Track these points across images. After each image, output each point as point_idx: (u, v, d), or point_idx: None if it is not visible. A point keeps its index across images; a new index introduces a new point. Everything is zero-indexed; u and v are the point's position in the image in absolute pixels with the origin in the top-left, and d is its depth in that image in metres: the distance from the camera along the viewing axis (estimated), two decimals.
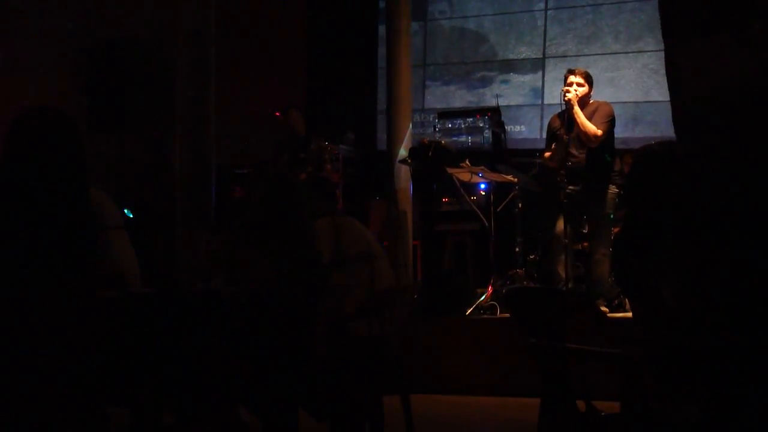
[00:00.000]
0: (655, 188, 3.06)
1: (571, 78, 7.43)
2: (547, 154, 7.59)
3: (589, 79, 7.45)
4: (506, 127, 10.06)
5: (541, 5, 10.87)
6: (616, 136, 7.61)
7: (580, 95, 7.33)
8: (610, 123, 7.31)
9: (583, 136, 7.25)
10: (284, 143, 8.84)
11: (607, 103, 7.67)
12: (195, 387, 4.00)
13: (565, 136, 7.37)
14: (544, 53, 10.80)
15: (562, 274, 7.32)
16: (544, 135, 8.20)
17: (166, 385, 3.99)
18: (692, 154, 2.45)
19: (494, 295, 7.59)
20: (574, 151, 7.35)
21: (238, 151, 9.81)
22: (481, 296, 7.63)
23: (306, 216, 4.91)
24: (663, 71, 2.92)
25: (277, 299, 4.33)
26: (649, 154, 3.33)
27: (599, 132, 7.22)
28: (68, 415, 3.20)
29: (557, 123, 7.57)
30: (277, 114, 8.81)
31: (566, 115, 7.41)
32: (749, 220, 2.30)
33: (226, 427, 4.15)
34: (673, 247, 2.50)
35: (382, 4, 10.63)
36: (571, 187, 7.26)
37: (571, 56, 10.53)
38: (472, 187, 8.38)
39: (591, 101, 7.46)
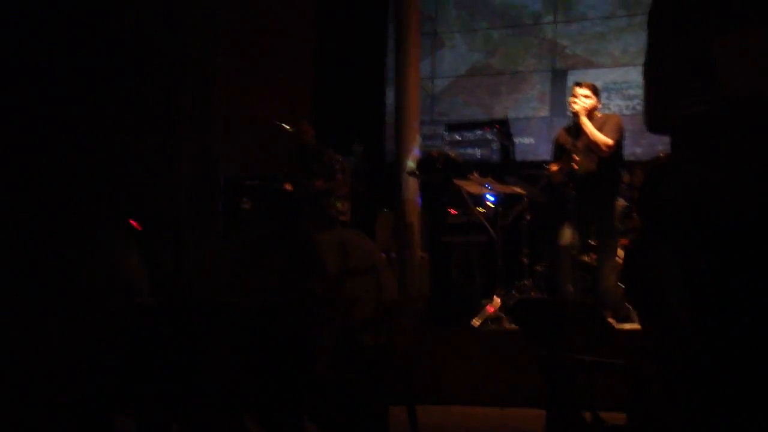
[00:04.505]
0: (664, 200, 3.06)
1: (578, 90, 7.44)
2: (554, 167, 7.58)
3: (596, 91, 7.45)
4: (514, 140, 10.06)
5: (551, 18, 10.88)
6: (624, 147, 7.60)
7: (587, 107, 7.33)
8: (620, 134, 7.29)
9: (594, 147, 7.24)
10: (295, 155, 8.86)
11: (616, 115, 7.68)
12: (201, 396, 4.00)
13: (573, 148, 7.38)
14: (552, 66, 10.80)
15: (569, 285, 7.31)
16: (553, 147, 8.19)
17: (172, 394, 3.99)
18: (708, 160, 2.42)
19: (501, 307, 7.57)
20: (581, 163, 7.34)
21: (246, 162, 9.82)
22: (488, 307, 7.61)
23: (308, 228, 4.92)
24: None
25: (283, 309, 4.33)
26: (659, 165, 3.33)
27: (610, 142, 7.20)
28: (74, 423, 3.20)
29: (564, 137, 7.57)
30: (287, 126, 8.83)
31: (574, 127, 7.41)
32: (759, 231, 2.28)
33: None
34: (680, 257, 2.49)
35: (391, 16, 10.65)
36: (578, 199, 7.25)
37: (579, 69, 10.54)
38: (480, 199, 8.38)
39: (599, 114, 7.46)
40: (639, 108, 10.04)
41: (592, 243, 7.72)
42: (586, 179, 7.31)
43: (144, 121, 7.55)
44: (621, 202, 7.48)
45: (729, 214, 2.31)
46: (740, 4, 2.35)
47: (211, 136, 7.74)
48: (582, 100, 7.36)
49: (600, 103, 7.49)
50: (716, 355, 2.41)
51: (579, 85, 7.54)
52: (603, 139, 7.20)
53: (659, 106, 2.67)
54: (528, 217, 8.08)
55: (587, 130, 7.24)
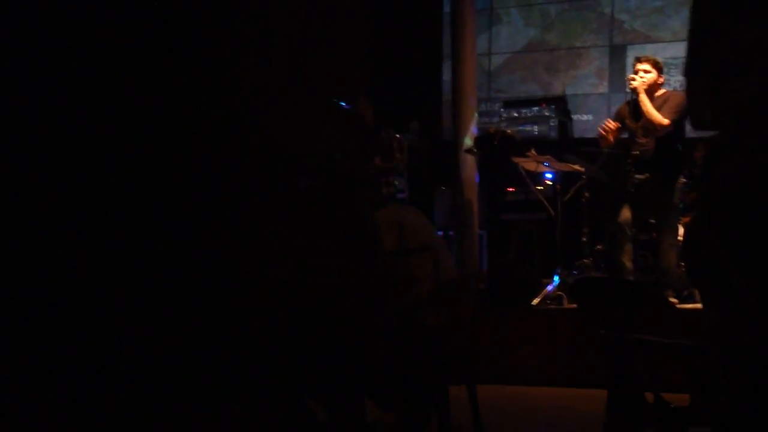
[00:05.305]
0: (721, 181, 3.03)
1: (638, 65, 7.36)
2: (611, 124, 7.45)
3: (657, 66, 7.34)
4: (572, 116, 9.99)
5: None
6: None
7: (647, 83, 7.24)
8: (679, 113, 7.16)
9: (649, 125, 7.17)
10: (352, 133, 8.86)
11: (678, 93, 7.57)
12: (261, 376, 4.03)
13: (632, 125, 7.31)
14: (611, 41, 10.69)
15: (629, 264, 7.26)
16: None
17: (236, 374, 4.02)
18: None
19: (561, 285, 7.54)
20: (641, 140, 7.27)
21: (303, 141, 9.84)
22: (547, 286, 7.59)
23: (367, 206, 4.92)
24: None
25: (342, 288, 4.34)
26: (719, 145, 3.28)
27: (665, 121, 7.11)
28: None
29: (625, 111, 7.49)
30: (344, 104, 8.84)
31: (632, 104, 7.34)
32: None
33: (292, 416, 4.18)
34: (740, 234, 2.47)
35: None
36: (638, 177, 7.18)
37: (638, 43, 10.42)
38: (538, 177, 8.34)
39: (663, 90, 7.35)
40: None
41: (652, 221, 7.65)
42: (646, 157, 7.24)
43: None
44: (681, 180, 7.40)
45: None
46: None
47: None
48: (641, 75, 7.27)
49: (662, 78, 7.38)
50: None
51: (639, 59, 7.45)
52: (658, 118, 7.12)
53: (706, 94, 2.65)
54: (587, 195, 8.03)
55: (644, 109, 7.16)
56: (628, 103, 7.51)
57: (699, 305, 6.68)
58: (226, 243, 3.93)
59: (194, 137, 3.60)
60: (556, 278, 7.62)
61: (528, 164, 8.05)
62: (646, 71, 7.29)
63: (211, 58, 3.76)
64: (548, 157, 7.96)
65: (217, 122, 3.82)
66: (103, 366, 3.14)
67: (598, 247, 8.23)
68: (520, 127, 9.49)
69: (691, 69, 2.73)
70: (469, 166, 8.76)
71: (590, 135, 10.10)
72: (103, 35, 3.22)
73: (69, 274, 3.14)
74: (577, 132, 10.15)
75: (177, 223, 3.46)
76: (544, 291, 7.53)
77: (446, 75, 10.58)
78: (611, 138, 7.37)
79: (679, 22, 10.26)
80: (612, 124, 7.37)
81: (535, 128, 9.58)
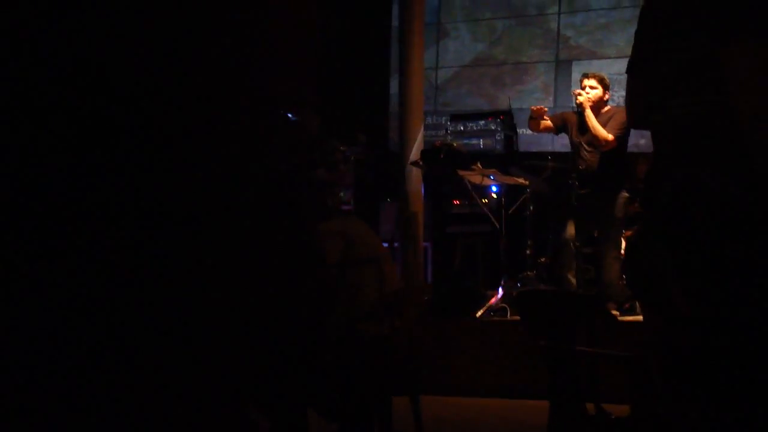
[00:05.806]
0: (659, 196, 3.07)
1: (585, 81, 7.43)
2: (544, 111, 7.59)
3: (603, 83, 7.42)
4: (518, 130, 10.06)
5: (555, 8, 10.86)
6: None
7: (592, 99, 7.32)
8: (623, 130, 7.24)
9: (594, 141, 7.25)
10: (298, 144, 8.83)
11: (623, 109, 7.66)
12: (205, 386, 4.00)
13: (577, 139, 7.39)
14: (557, 56, 10.79)
15: (572, 277, 7.32)
16: (556, 139, 8.20)
17: (180, 387, 3.99)
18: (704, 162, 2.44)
19: (504, 298, 7.58)
20: (586, 155, 7.34)
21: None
22: (491, 298, 7.62)
23: (310, 218, 4.92)
24: None
25: (286, 300, 4.33)
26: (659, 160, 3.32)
27: (610, 137, 7.19)
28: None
29: (571, 119, 7.56)
30: (289, 114, 8.81)
31: (578, 118, 7.41)
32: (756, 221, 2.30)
33: (235, 427, 4.15)
34: (681, 248, 2.50)
35: (395, 5, 10.64)
36: (582, 191, 7.25)
37: (584, 59, 10.52)
38: (484, 190, 8.39)
39: (608, 107, 7.43)
40: None
41: (595, 235, 7.72)
42: (589, 171, 7.31)
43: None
44: (624, 194, 7.49)
45: (721, 213, 2.34)
46: (749, 11, 2.35)
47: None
48: (587, 91, 7.34)
49: (608, 94, 7.46)
50: (714, 348, 2.43)
51: (586, 75, 7.53)
52: (603, 134, 7.19)
53: (646, 103, 2.70)
54: (531, 208, 8.09)
55: (590, 124, 7.24)
56: (575, 113, 7.57)
57: (640, 318, 6.76)
58: (168, 254, 3.90)
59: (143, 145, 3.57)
60: (500, 290, 7.66)
61: (473, 177, 8.09)
62: (592, 87, 7.37)
63: (158, 70, 3.74)
64: (493, 170, 8.00)
65: (161, 132, 3.80)
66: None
67: (542, 259, 8.29)
68: (466, 141, 9.52)
69: (634, 69, 2.76)
70: (415, 178, 8.79)
71: (535, 149, 10.20)
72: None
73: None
74: (523, 146, 10.20)
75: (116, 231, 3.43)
76: (488, 303, 7.56)
77: (394, 88, 10.60)
78: (541, 124, 7.54)
79: (624, 38, 10.38)
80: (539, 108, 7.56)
81: (481, 142, 9.62)
